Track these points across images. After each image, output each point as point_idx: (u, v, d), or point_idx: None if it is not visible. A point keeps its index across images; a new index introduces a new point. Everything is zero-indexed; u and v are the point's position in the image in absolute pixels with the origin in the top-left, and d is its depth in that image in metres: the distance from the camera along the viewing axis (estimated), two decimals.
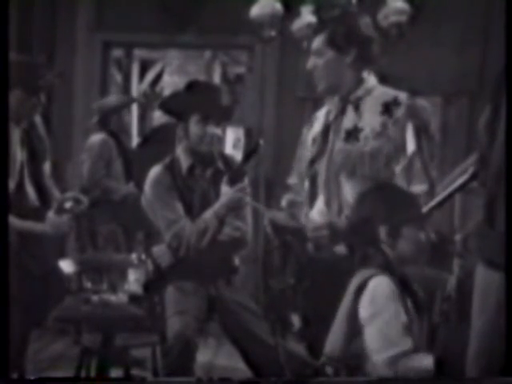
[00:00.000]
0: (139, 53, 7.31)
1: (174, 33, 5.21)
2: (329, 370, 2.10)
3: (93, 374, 3.18)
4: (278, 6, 3.99)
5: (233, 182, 2.80)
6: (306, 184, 2.62)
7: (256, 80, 5.35)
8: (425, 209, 2.25)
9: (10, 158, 2.95)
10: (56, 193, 3.28)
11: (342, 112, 2.54)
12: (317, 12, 3.92)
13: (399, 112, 2.46)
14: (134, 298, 3.10)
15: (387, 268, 2.13)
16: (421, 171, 2.45)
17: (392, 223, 2.15)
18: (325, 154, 2.54)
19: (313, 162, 2.57)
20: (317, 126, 2.66)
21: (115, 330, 3.15)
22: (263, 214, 2.66)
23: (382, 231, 2.16)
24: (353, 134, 2.48)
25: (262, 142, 2.85)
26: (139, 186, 3.47)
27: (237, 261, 3.00)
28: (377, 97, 2.53)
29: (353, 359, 2.09)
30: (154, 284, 2.91)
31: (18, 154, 3.11)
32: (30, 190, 3.15)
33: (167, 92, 7.30)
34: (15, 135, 3.09)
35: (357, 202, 2.30)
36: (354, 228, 2.22)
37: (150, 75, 8.07)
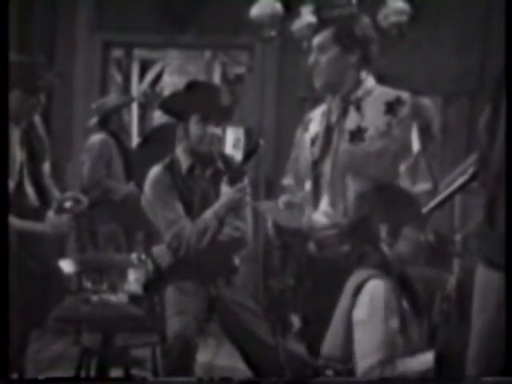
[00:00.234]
0: (139, 53, 7.32)
1: (174, 33, 5.21)
2: (329, 373, 2.10)
3: (93, 373, 3.18)
4: (278, 6, 3.99)
5: (233, 181, 2.80)
6: (308, 185, 2.61)
7: (256, 80, 5.35)
8: (425, 209, 2.24)
9: (10, 158, 2.95)
10: (56, 193, 3.28)
11: (344, 113, 2.54)
12: (317, 12, 3.92)
13: (404, 111, 2.46)
14: (133, 298, 3.10)
15: (384, 267, 2.12)
16: (425, 170, 2.45)
17: (392, 222, 2.15)
18: (328, 155, 2.53)
19: (316, 163, 2.57)
20: (313, 126, 2.66)
21: (115, 330, 3.15)
22: (266, 215, 2.65)
23: (383, 230, 2.16)
24: (357, 135, 2.48)
25: (261, 141, 2.85)
26: (139, 185, 3.47)
27: (237, 261, 3.00)
28: (377, 97, 2.53)
29: (351, 361, 2.08)
30: (153, 284, 2.91)
31: (18, 154, 3.11)
32: (30, 190, 3.15)
33: (167, 92, 7.30)
34: (15, 135, 3.09)
35: (357, 200, 2.30)
36: (354, 225, 2.22)
37: (150, 75, 8.07)
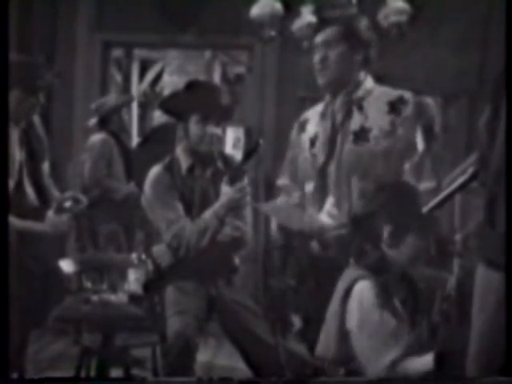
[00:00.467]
0: (139, 53, 7.32)
1: (174, 33, 5.21)
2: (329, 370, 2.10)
3: (93, 374, 3.18)
4: (278, 6, 3.99)
5: (233, 181, 2.80)
6: (309, 186, 2.61)
7: (256, 80, 5.35)
8: (425, 208, 2.24)
9: (9, 158, 2.95)
10: (55, 192, 3.28)
11: (348, 113, 2.54)
12: (317, 12, 3.92)
13: (407, 110, 2.47)
14: (133, 298, 3.09)
15: (380, 267, 2.11)
16: (430, 168, 2.45)
17: (396, 224, 2.14)
18: (333, 155, 2.53)
19: (319, 164, 2.56)
20: (311, 127, 2.65)
21: (115, 330, 3.15)
22: (271, 216, 2.65)
23: (386, 230, 2.15)
24: (361, 135, 2.49)
25: (261, 141, 2.85)
26: (139, 185, 3.47)
27: (237, 260, 3.00)
28: (378, 96, 2.53)
29: (345, 361, 2.08)
30: (154, 284, 2.91)
31: (17, 154, 3.11)
32: (29, 190, 3.14)
33: (167, 92, 7.30)
34: (14, 135, 3.09)
35: (363, 198, 2.29)
36: (357, 222, 2.21)
37: (150, 75, 8.07)
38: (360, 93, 2.54)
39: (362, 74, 2.56)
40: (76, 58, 5.32)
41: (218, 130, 2.92)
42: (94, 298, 3.17)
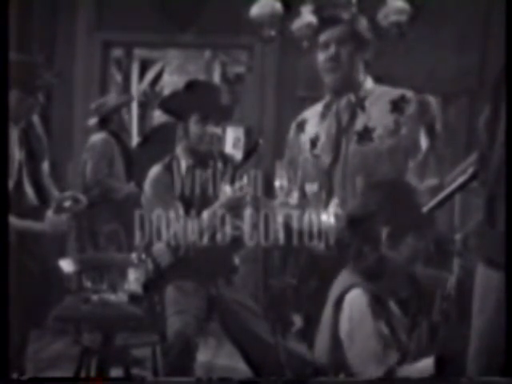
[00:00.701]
0: (139, 53, 7.31)
1: (174, 32, 5.21)
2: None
3: (93, 373, 3.18)
4: (278, 6, 3.98)
5: (232, 181, 2.80)
6: (309, 186, 2.61)
7: (256, 80, 5.35)
8: (425, 208, 2.24)
9: (9, 158, 2.95)
10: (55, 192, 3.28)
11: (353, 113, 2.53)
12: (317, 11, 3.91)
13: (410, 109, 2.47)
14: (133, 298, 3.09)
15: (378, 270, 2.10)
16: (433, 166, 2.45)
17: (396, 225, 2.12)
18: (338, 156, 2.53)
19: (325, 165, 2.56)
20: (310, 127, 2.65)
21: (115, 330, 3.15)
22: (274, 216, 2.65)
23: (384, 231, 2.13)
24: (365, 135, 2.49)
25: (261, 141, 2.85)
26: (139, 185, 3.47)
27: (237, 260, 3.00)
28: (379, 96, 2.53)
29: (337, 369, 2.07)
30: (153, 283, 2.91)
31: (17, 154, 3.12)
32: (29, 190, 3.15)
33: (167, 91, 7.30)
34: (13, 135, 3.09)
35: (364, 196, 2.27)
36: (356, 222, 2.19)
37: (150, 75, 8.06)
38: (361, 93, 2.54)
39: (361, 74, 2.56)
40: (76, 58, 5.32)
41: (217, 130, 2.92)
42: (94, 297, 3.17)
